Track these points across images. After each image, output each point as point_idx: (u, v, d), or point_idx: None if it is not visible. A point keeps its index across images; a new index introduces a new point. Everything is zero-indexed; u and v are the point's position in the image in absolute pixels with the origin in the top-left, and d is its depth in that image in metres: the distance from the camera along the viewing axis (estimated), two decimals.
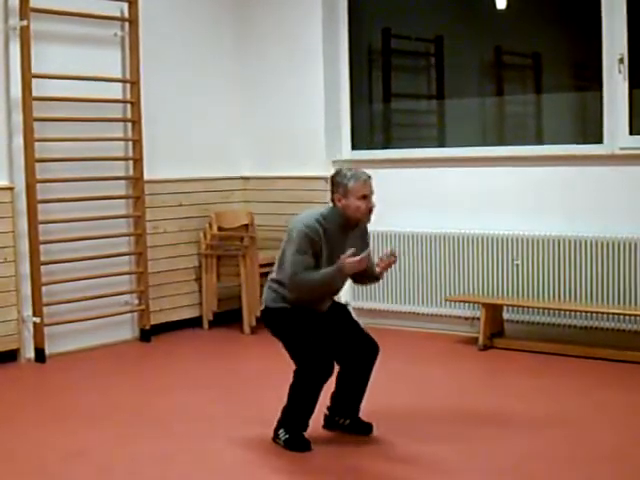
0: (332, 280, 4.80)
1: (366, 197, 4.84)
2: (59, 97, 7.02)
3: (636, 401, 5.75)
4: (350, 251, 4.68)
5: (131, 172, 7.58)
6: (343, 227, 4.88)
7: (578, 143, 7.27)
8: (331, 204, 4.93)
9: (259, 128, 8.39)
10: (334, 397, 5.13)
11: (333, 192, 4.89)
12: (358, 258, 4.67)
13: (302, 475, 4.69)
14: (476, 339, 7.12)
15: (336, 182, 4.88)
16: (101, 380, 6.49)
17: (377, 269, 4.99)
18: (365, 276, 5.05)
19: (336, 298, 5.18)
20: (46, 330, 6.98)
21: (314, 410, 4.92)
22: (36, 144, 6.87)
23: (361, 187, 4.82)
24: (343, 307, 5.21)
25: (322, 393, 4.91)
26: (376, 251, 7.84)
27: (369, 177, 4.90)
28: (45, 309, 6.98)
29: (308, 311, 4.90)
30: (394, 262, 4.99)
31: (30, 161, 6.86)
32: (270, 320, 4.99)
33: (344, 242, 4.86)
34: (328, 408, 5.16)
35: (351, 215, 4.85)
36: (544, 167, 7.25)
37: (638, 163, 6.86)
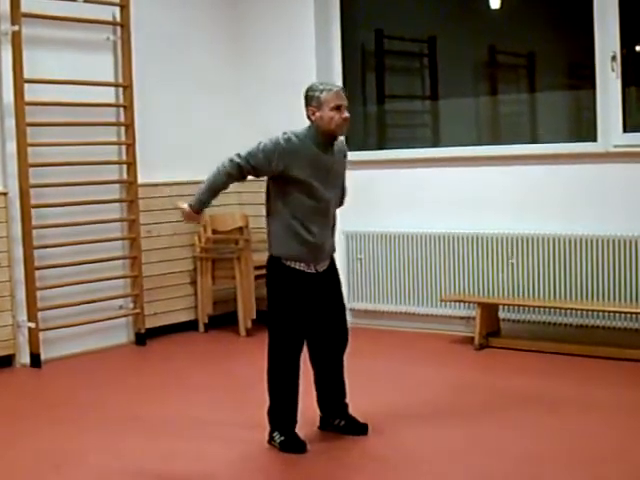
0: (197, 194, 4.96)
1: (340, 108, 4.79)
2: (52, 102, 7.01)
3: (634, 399, 5.73)
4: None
5: (125, 176, 7.57)
6: (322, 144, 4.81)
7: (572, 141, 7.27)
8: (308, 122, 4.88)
9: (253, 130, 8.34)
10: (318, 397, 5.13)
11: (307, 106, 4.85)
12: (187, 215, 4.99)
13: (298, 477, 4.68)
14: (472, 339, 7.11)
15: (309, 96, 4.84)
16: (97, 384, 6.48)
17: None
18: None
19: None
20: (41, 335, 6.98)
21: (296, 402, 4.91)
22: (29, 149, 6.86)
23: (334, 97, 4.78)
24: (335, 280, 5.10)
25: (310, 399, 4.92)
26: (369, 251, 7.85)
27: (342, 88, 4.89)
28: (40, 314, 6.97)
29: (301, 275, 4.85)
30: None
31: (23, 166, 6.85)
32: (268, 269, 4.97)
33: (329, 162, 4.84)
34: (320, 410, 5.16)
35: (326, 127, 4.78)
36: (538, 166, 7.25)
37: (632, 161, 6.85)
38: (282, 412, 4.91)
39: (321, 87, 4.83)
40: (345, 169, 5.07)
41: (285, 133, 4.83)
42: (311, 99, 4.82)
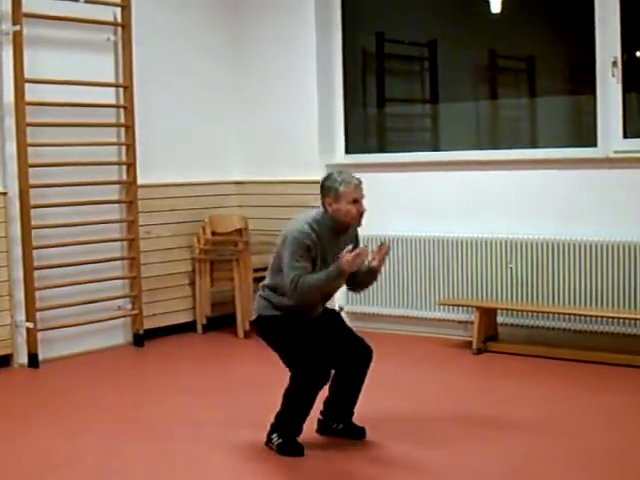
0: (333, 280, 4.77)
1: (357, 201, 4.83)
2: (52, 102, 7.01)
3: (630, 403, 5.74)
4: (348, 247, 4.69)
5: (124, 177, 7.57)
6: (335, 231, 4.88)
7: (572, 146, 7.26)
8: (322, 208, 4.91)
9: (253, 132, 8.39)
10: (327, 402, 5.12)
11: (324, 196, 4.88)
12: (354, 253, 4.65)
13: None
14: (470, 343, 7.11)
15: (327, 187, 4.86)
16: (94, 385, 6.47)
17: (374, 263, 4.95)
18: (359, 280, 5.04)
19: (328, 305, 5.16)
20: (39, 335, 6.97)
21: (308, 415, 4.91)
22: (29, 149, 6.86)
23: (352, 191, 4.81)
24: (334, 312, 5.18)
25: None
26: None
27: (360, 181, 4.89)
28: (38, 314, 6.96)
29: (300, 318, 4.89)
30: (387, 252, 4.97)
31: (23, 166, 6.85)
32: (263, 329, 4.99)
33: (336, 246, 4.85)
34: (322, 412, 5.15)
35: (342, 219, 4.85)
36: (538, 170, 7.25)
37: (632, 166, 6.85)
38: (290, 424, 4.90)
39: (339, 179, 4.84)
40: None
41: (301, 232, 4.79)
42: (329, 190, 4.85)
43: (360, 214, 4.87)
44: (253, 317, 5.03)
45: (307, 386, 4.81)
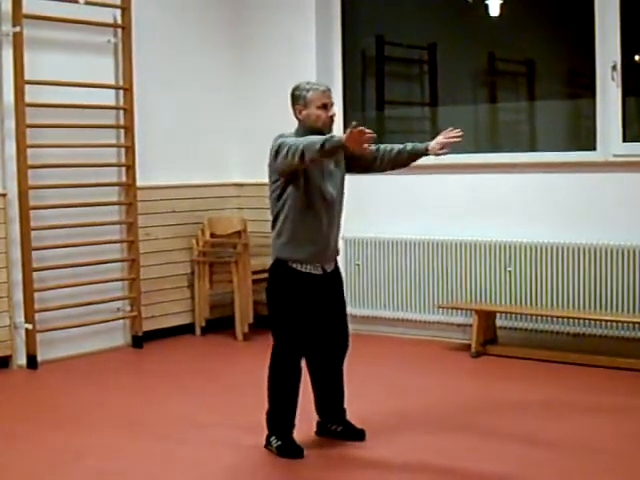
0: (328, 148, 4.51)
1: (326, 106, 4.85)
2: (52, 104, 7.01)
3: (630, 406, 5.75)
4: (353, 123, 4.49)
5: (123, 179, 7.57)
6: None
7: (571, 150, 7.27)
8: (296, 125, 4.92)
9: (252, 134, 8.37)
10: (316, 404, 5.14)
11: (294, 105, 4.91)
12: (359, 129, 4.44)
13: None
14: (469, 346, 7.11)
15: (296, 95, 4.90)
16: (93, 387, 6.47)
17: (440, 152, 5.07)
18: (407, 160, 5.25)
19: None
20: (38, 337, 6.96)
21: (295, 407, 4.91)
22: (29, 150, 6.86)
23: (320, 96, 4.84)
24: (340, 283, 5.11)
25: (307, 404, 4.93)
26: (367, 257, 7.85)
27: (328, 88, 4.94)
28: (37, 316, 6.96)
29: (307, 277, 4.85)
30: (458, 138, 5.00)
31: (22, 168, 6.85)
32: (273, 272, 4.94)
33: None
34: (319, 416, 5.16)
35: (313, 125, 4.84)
36: (537, 174, 7.26)
37: (631, 170, 6.87)
38: (281, 416, 4.91)
39: (307, 86, 4.90)
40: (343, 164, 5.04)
41: (282, 135, 4.85)
42: (298, 98, 4.89)
43: (330, 119, 4.87)
44: (272, 261, 4.95)
45: (285, 358, 4.86)
